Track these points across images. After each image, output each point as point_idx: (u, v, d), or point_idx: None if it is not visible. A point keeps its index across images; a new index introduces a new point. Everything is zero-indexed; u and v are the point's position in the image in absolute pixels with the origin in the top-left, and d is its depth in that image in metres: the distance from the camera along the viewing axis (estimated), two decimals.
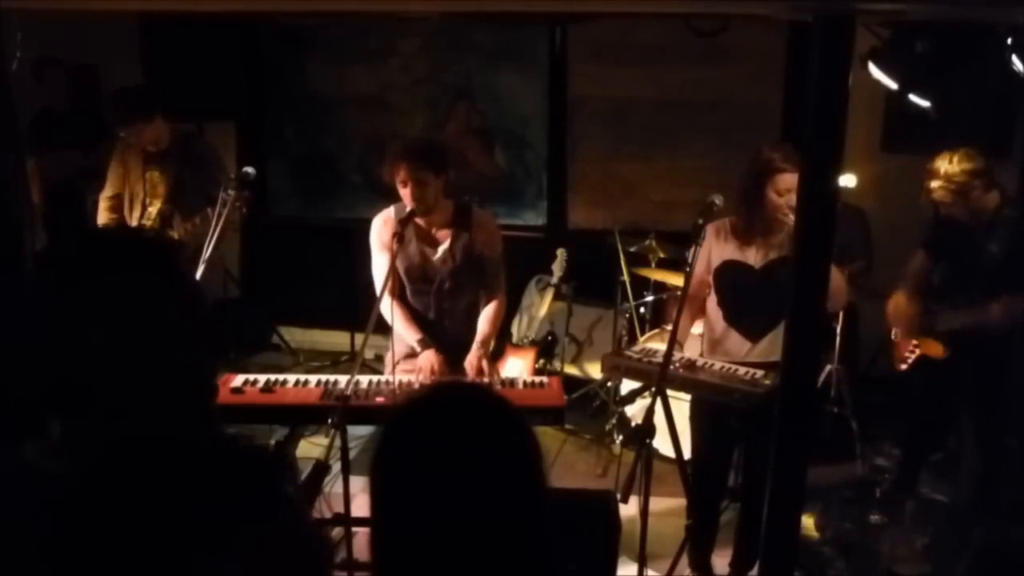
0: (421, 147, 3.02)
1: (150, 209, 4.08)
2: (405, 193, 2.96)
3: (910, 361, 3.48)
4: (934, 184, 3.17)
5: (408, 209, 3.01)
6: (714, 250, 3.04)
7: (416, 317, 3.16)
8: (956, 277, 3.35)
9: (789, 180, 2.80)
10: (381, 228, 3.12)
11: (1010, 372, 3.39)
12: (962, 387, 3.43)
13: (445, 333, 3.15)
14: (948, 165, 3.13)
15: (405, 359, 3.12)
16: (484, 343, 3.09)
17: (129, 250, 1.09)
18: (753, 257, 2.98)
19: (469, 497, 1.10)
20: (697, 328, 3.36)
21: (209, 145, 4.46)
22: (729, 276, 3.04)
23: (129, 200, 4.11)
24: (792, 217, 2.78)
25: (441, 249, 3.11)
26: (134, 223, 4.10)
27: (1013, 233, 3.13)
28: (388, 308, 3.06)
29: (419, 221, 3.06)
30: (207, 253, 3.54)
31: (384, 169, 3.00)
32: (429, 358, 3.00)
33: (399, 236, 2.92)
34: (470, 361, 3.05)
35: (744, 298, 3.03)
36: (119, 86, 4.46)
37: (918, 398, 3.70)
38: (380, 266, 3.11)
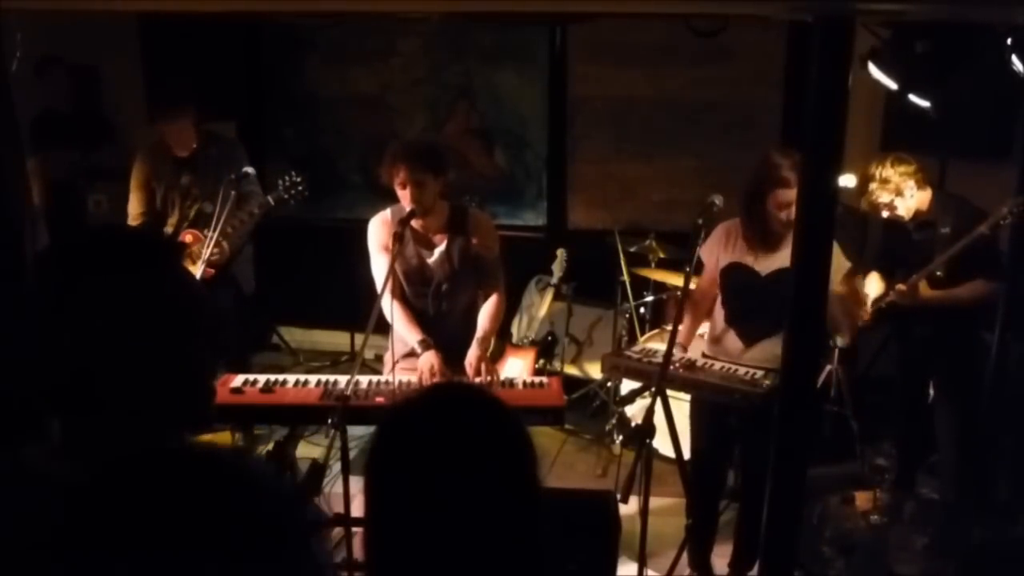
0: (420, 149, 3.02)
1: (188, 211, 4.05)
2: (404, 195, 2.96)
3: (871, 312, 3.57)
4: (872, 187, 3.31)
5: (408, 209, 3.01)
6: (724, 250, 3.04)
7: (416, 317, 3.16)
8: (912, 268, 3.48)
9: (792, 196, 2.72)
10: (379, 230, 3.13)
11: (979, 365, 3.49)
12: (935, 384, 3.59)
13: (444, 334, 3.15)
14: (883, 169, 3.29)
15: (404, 358, 3.12)
16: (484, 341, 3.09)
17: (129, 249, 1.09)
18: (760, 262, 2.97)
19: (463, 498, 1.10)
20: (703, 329, 3.36)
21: (234, 140, 4.45)
22: (734, 277, 3.04)
23: (163, 209, 4.07)
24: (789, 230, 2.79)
25: (438, 252, 3.12)
26: (171, 229, 4.05)
27: (957, 217, 3.30)
28: (389, 307, 3.06)
29: (415, 224, 3.06)
30: (207, 253, 3.55)
31: (383, 170, 3.00)
32: (429, 359, 3.00)
33: (399, 236, 2.92)
34: (470, 360, 3.05)
35: (745, 301, 3.03)
36: (126, 90, 4.46)
37: (899, 398, 3.79)
38: (379, 267, 3.11)
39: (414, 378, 2.98)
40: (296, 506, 1.04)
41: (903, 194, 3.28)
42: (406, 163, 2.92)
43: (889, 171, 3.27)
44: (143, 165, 4.08)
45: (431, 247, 3.13)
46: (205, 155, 4.05)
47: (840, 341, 3.02)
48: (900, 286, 3.40)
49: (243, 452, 1.15)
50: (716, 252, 3.06)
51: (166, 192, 4.05)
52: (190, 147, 4.02)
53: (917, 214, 3.38)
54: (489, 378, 3.03)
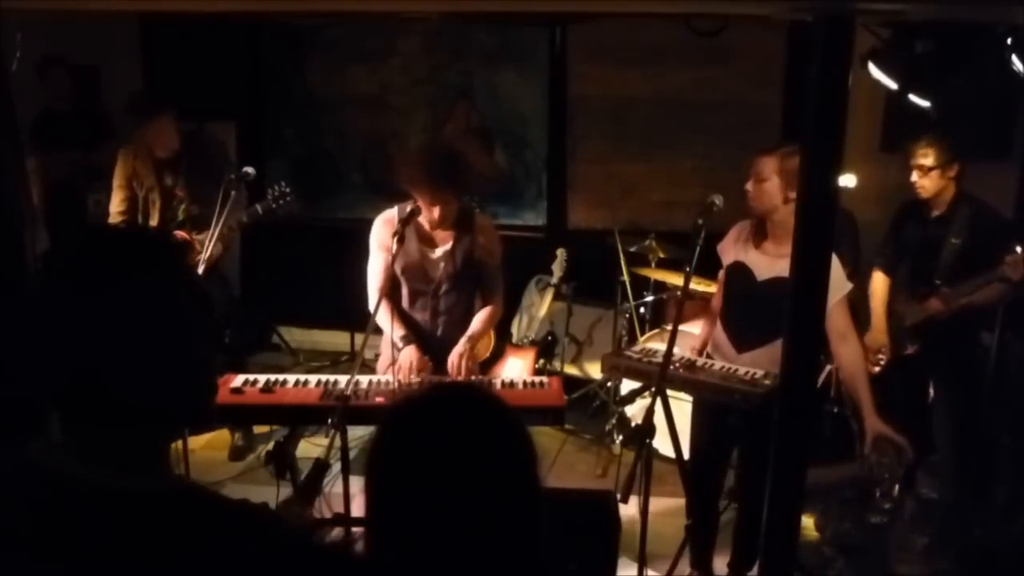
0: (443, 167, 2.98)
1: (174, 213, 4.02)
2: (431, 210, 2.99)
3: (882, 363, 3.66)
4: (914, 176, 3.40)
5: (409, 209, 3.02)
6: (732, 249, 3.05)
7: (409, 318, 3.17)
8: (919, 270, 3.54)
9: (753, 162, 2.85)
10: (382, 228, 3.13)
11: (978, 365, 3.50)
12: (934, 384, 3.62)
13: (439, 335, 3.15)
14: (916, 148, 3.40)
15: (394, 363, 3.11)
16: (471, 340, 3.09)
17: (135, 249, 1.09)
18: (761, 265, 2.95)
19: (463, 498, 1.10)
20: (695, 328, 3.36)
21: (216, 141, 4.45)
22: (734, 279, 3.03)
23: (145, 209, 4.04)
24: (753, 201, 2.86)
25: (441, 250, 3.12)
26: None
27: (971, 228, 3.35)
28: (376, 305, 3.07)
29: (422, 221, 3.07)
30: (207, 254, 3.54)
31: (403, 183, 3.01)
32: (409, 355, 2.99)
33: (399, 236, 2.93)
34: (452, 357, 3.04)
35: (739, 306, 3.02)
36: (126, 90, 4.45)
37: (898, 399, 3.81)
38: (376, 265, 3.12)
39: (391, 376, 2.98)
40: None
41: (936, 177, 3.36)
42: (432, 186, 2.94)
43: (919, 149, 3.38)
44: (124, 164, 4.05)
45: (435, 245, 3.13)
46: (188, 155, 4.02)
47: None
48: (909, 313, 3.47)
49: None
50: (727, 251, 3.07)
51: (147, 193, 4.02)
52: (172, 148, 3.99)
53: (936, 204, 3.42)
54: (468, 376, 3.02)
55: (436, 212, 2.99)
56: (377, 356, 4.59)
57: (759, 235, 2.97)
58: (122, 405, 1.04)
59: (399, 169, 3.07)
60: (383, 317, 3.06)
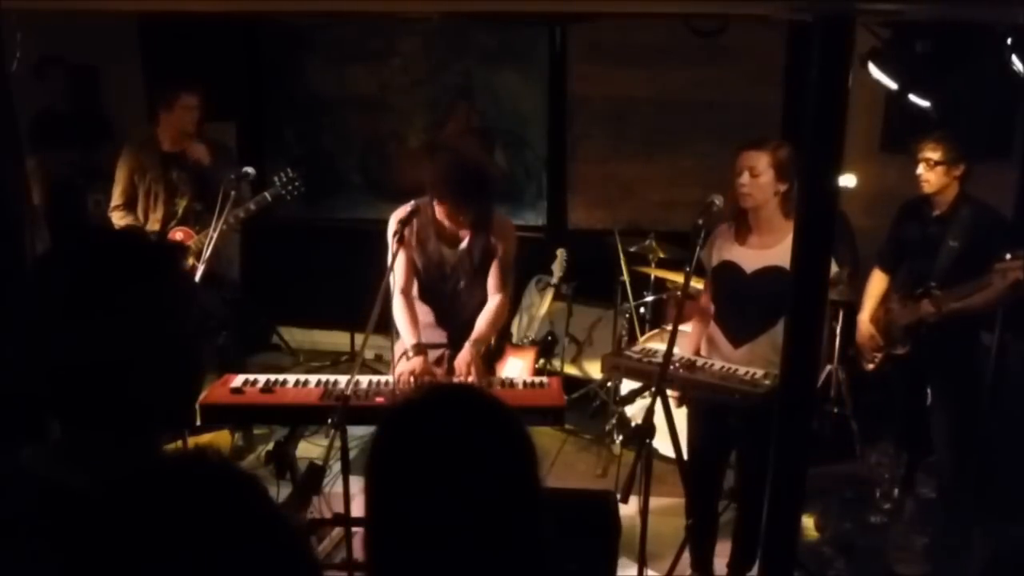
0: (472, 182, 3.00)
1: (176, 208, 4.02)
2: (450, 217, 3.01)
3: (877, 360, 3.69)
4: (920, 169, 3.40)
5: (409, 209, 3.02)
6: (718, 251, 3.05)
7: (423, 316, 3.17)
8: (916, 271, 3.53)
9: (744, 157, 2.87)
10: (398, 225, 3.13)
11: (978, 366, 3.50)
12: (932, 384, 3.61)
13: (453, 332, 3.16)
14: (924, 144, 3.41)
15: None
16: (477, 343, 3.08)
17: (126, 253, 1.09)
18: (748, 259, 2.97)
19: (463, 498, 1.10)
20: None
21: (224, 143, 4.45)
22: (723, 276, 3.05)
23: (145, 201, 4.04)
24: (748, 196, 2.86)
25: (460, 247, 3.13)
26: (156, 225, 4.01)
27: (970, 230, 3.34)
28: (400, 305, 3.09)
29: (441, 219, 3.07)
30: (207, 252, 3.54)
31: (429, 188, 3.01)
32: (414, 364, 2.98)
33: (399, 236, 2.93)
34: (460, 359, 3.04)
35: (732, 301, 3.03)
36: (126, 89, 4.48)
37: (899, 398, 3.81)
38: (398, 262, 3.12)
39: (392, 380, 2.99)
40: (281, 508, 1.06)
41: (942, 174, 3.37)
42: (458, 201, 2.96)
43: (929, 142, 3.39)
44: (128, 157, 4.05)
45: (454, 244, 3.13)
46: (193, 154, 4.02)
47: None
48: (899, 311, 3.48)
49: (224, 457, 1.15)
50: (710, 257, 3.07)
51: (150, 185, 4.01)
52: (183, 141, 3.98)
53: (938, 203, 3.42)
54: (478, 378, 3.02)
55: (453, 221, 3.00)
56: (377, 356, 4.60)
57: (742, 231, 2.99)
58: (114, 407, 1.03)
59: (427, 172, 3.06)
60: (400, 319, 3.07)
